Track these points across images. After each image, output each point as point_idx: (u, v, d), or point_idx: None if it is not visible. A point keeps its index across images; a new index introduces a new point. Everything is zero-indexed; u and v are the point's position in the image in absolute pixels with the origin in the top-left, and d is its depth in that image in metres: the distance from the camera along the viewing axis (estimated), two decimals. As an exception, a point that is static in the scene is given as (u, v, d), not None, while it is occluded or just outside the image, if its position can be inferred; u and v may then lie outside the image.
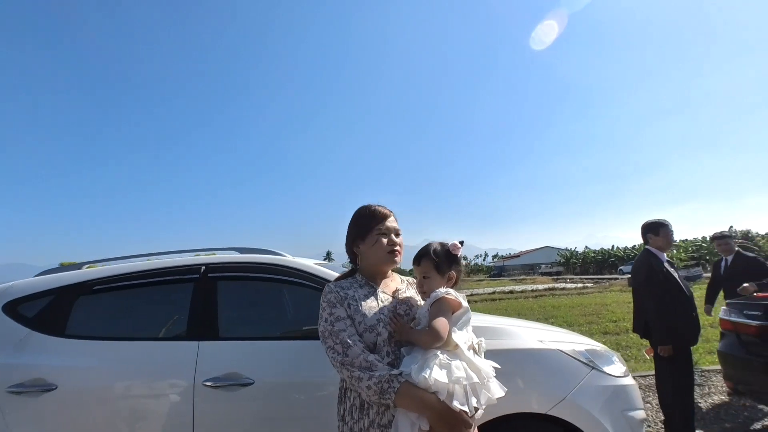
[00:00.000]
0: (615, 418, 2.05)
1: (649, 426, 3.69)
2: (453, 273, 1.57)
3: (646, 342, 3.63)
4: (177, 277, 2.35)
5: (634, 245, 56.22)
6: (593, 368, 2.12)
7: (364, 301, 1.52)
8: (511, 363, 1.93)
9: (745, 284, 4.24)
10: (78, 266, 2.50)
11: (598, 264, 57.29)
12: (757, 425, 3.64)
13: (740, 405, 4.08)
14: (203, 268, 2.32)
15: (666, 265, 3.43)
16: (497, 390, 1.38)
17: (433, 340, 1.37)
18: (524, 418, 1.99)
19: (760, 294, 4.06)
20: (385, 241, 1.58)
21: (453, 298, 1.46)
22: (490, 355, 1.56)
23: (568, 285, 25.28)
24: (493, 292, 21.51)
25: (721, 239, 4.77)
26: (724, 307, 3.86)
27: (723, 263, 4.86)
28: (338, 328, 1.44)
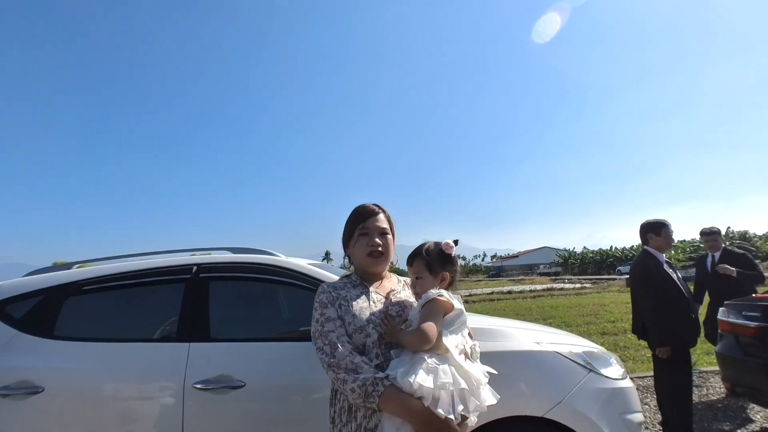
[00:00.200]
0: (613, 422, 2.02)
1: (646, 427, 3.66)
2: (447, 273, 1.51)
3: (644, 343, 3.60)
4: (168, 278, 2.32)
5: (632, 246, 56.29)
6: (591, 370, 2.09)
7: (355, 301, 1.49)
8: (507, 365, 1.88)
9: (726, 265, 4.25)
10: (68, 266, 2.46)
11: (596, 264, 57.37)
12: (756, 427, 3.62)
13: (738, 406, 4.05)
14: (195, 268, 2.28)
15: (665, 266, 3.40)
16: (489, 397, 1.33)
17: (421, 343, 1.33)
18: (520, 421, 1.95)
19: (758, 295, 4.04)
20: (364, 241, 1.55)
21: (445, 299, 1.41)
22: (484, 357, 1.52)
23: (567, 285, 25.29)
24: (492, 293, 21.51)
25: (710, 235, 4.67)
26: (723, 308, 3.84)
27: (710, 260, 4.72)
28: (328, 328, 1.42)
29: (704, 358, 5.72)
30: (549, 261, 72.87)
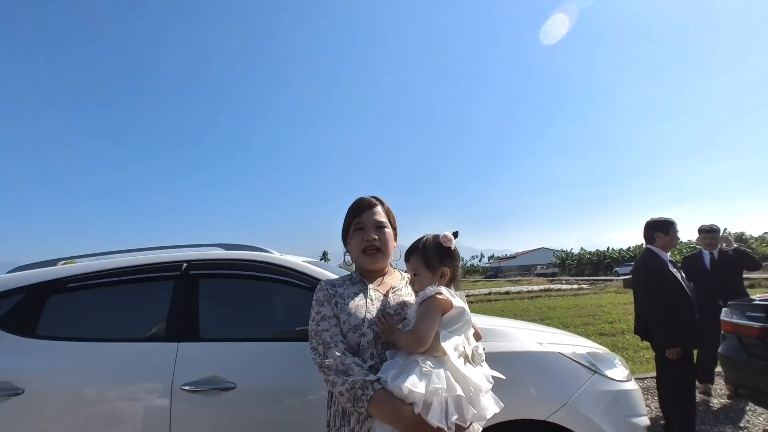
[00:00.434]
0: (617, 425, 1.95)
1: (649, 429, 3.60)
2: (446, 269, 1.38)
3: (643, 344, 3.53)
4: (157, 275, 2.23)
5: (629, 247, 56.39)
6: (595, 372, 2.02)
7: (352, 299, 1.41)
8: (508, 367, 1.79)
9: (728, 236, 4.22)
10: (52, 262, 2.37)
11: (593, 265, 57.43)
12: (759, 430, 3.56)
13: (741, 408, 4.00)
14: (185, 265, 2.19)
15: (669, 265, 3.34)
16: (490, 405, 1.21)
17: (415, 344, 1.22)
18: (523, 424, 1.87)
19: (762, 296, 3.98)
20: (360, 237, 1.46)
21: (444, 297, 1.29)
22: (485, 358, 1.43)
23: (564, 286, 25.26)
24: (489, 293, 21.46)
25: (710, 232, 4.59)
26: (726, 309, 3.78)
27: (708, 258, 4.62)
28: (322, 327, 1.35)
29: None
30: (546, 262, 72.95)
